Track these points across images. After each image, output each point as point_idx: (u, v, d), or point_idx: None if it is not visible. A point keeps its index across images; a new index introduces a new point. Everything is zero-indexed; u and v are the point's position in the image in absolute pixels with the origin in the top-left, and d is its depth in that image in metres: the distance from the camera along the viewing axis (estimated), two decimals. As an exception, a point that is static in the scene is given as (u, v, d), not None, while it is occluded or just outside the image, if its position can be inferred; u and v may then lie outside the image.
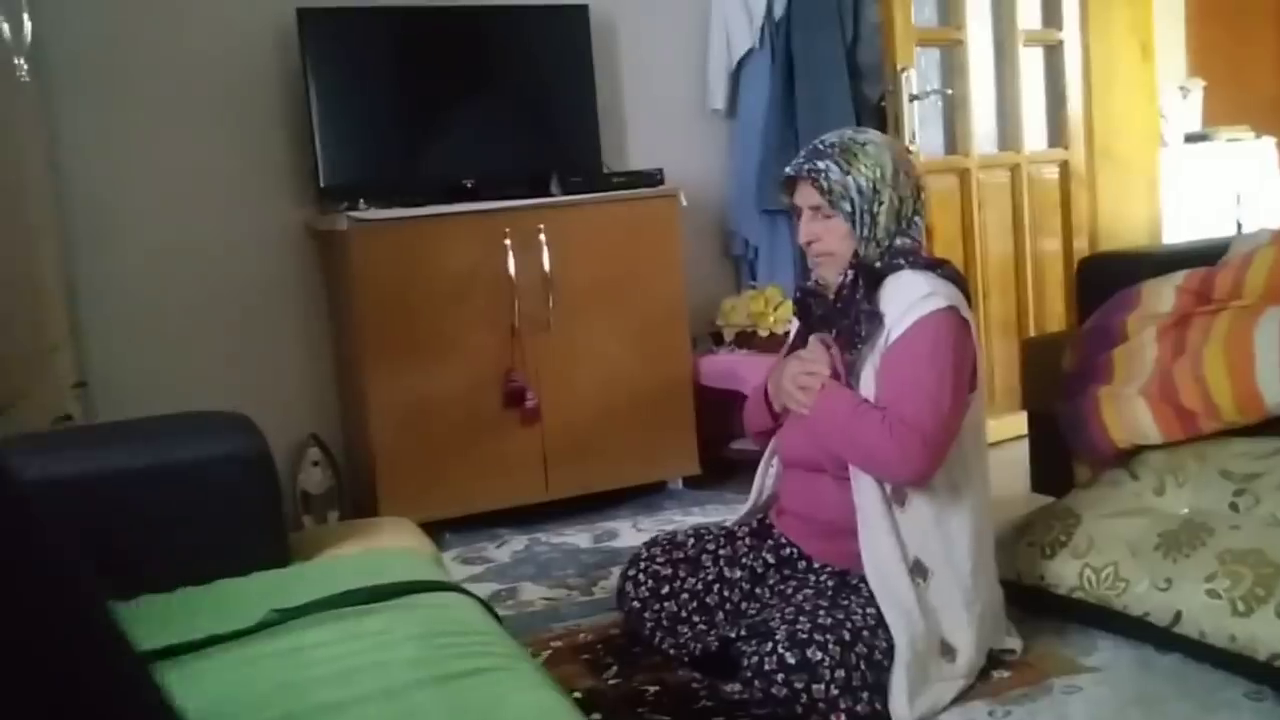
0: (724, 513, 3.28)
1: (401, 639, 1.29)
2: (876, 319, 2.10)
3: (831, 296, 2.19)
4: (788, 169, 2.22)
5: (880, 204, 2.13)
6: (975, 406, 2.16)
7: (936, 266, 2.16)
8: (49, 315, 3.08)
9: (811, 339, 2.24)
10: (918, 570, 2.08)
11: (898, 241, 2.15)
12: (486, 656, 1.27)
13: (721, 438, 3.73)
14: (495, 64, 3.62)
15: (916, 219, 2.19)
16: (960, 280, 2.18)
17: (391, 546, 1.78)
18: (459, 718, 1.13)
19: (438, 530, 3.33)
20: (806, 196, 2.18)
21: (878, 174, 2.13)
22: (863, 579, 2.10)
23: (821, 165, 2.14)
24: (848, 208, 2.13)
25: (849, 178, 2.12)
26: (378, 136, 3.52)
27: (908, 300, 2.08)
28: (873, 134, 2.22)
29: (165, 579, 1.58)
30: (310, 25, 3.38)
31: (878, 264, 2.14)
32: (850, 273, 2.14)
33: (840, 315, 2.16)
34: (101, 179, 3.36)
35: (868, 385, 2.11)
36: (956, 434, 2.08)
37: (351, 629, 1.33)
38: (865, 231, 2.14)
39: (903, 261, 2.13)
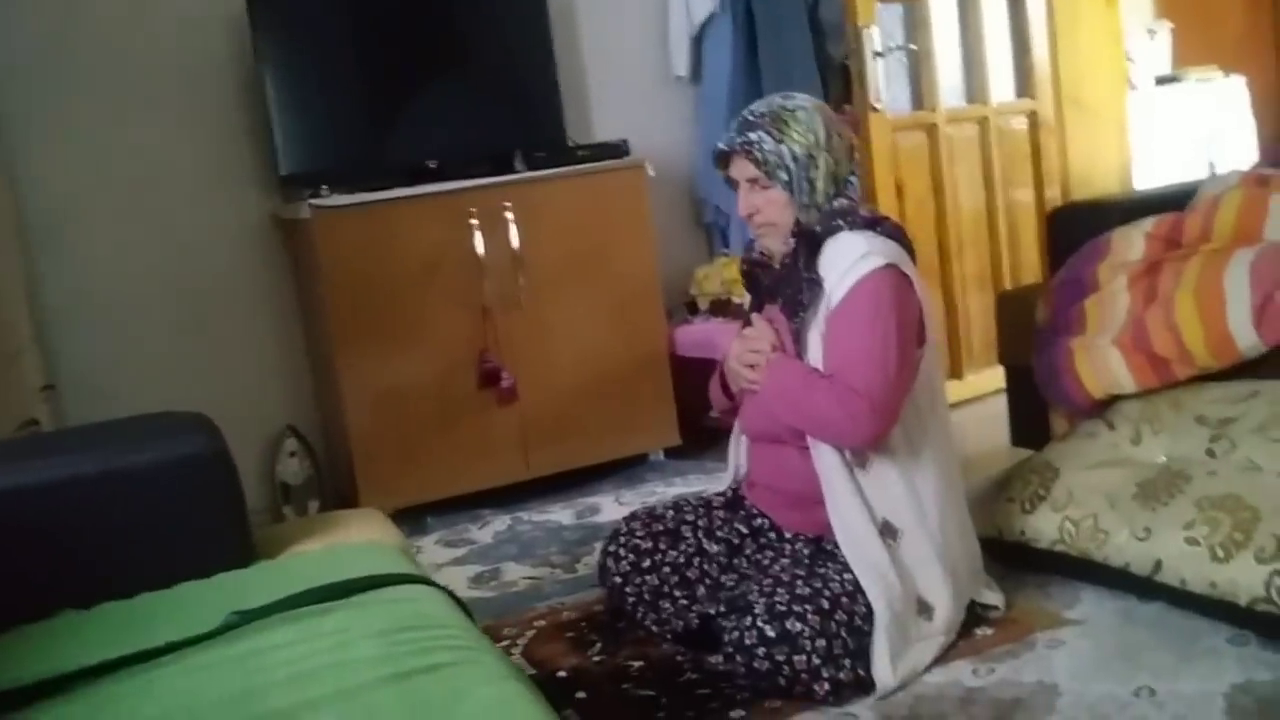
0: (706, 482, 3.28)
1: (360, 637, 1.28)
2: (816, 285, 2.09)
3: (777, 266, 2.18)
4: (719, 143, 2.20)
5: (816, 169, 2.12)
6: (927, 360, 2.15)
7: (875, 224, 2.15)
8: (11, 318, 3.04)
9: (754, 316, 2.24)
10: (887, 531, 2.08)
11: (836, 203, 2.14)
12: (447, 650, 1.25)
13: (700, 407, 3.68)
14: (453, 40, 3.57)
15: (852, 178, 2.18)
16: (901, 235, 2.17)
17: (357, 540, 1.76)
18: (417, 715, 1.12)
19: (420, 514, 3.33)
20: (742, 169, 2.17)
21: (811, 139, 2.12)
22: (837, 544, 2.09)
23: (754, 137, 2.12)
24: (784, 177, 2.12)
25: (783, 146, 2.11)
26: (336, 121, 3.47)
27: (846, 263, 2.07)
28: (801, 98, 2.20)
29: (127, 585, 1.56)
30: (259, 10, 3.32)
31: (818, 228, 2.13)
32: (793, 241, 2.13)
33: (785, 284, 2.16)
34: (58, 179, 3.32)
35: (815, 352, 2.11)
36: (907, 391, 2.08)
37: (311, 629, 1.32)
38: (804, 198, 2.13)
39: (841, 223, 2.12)
